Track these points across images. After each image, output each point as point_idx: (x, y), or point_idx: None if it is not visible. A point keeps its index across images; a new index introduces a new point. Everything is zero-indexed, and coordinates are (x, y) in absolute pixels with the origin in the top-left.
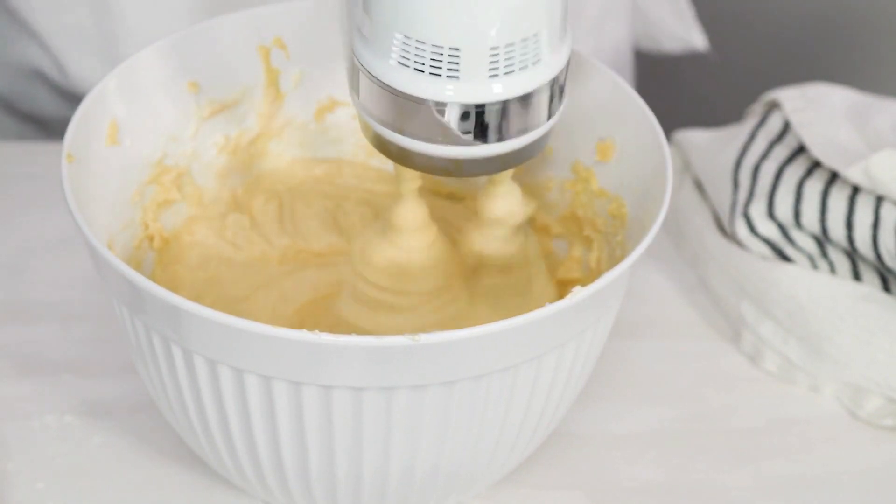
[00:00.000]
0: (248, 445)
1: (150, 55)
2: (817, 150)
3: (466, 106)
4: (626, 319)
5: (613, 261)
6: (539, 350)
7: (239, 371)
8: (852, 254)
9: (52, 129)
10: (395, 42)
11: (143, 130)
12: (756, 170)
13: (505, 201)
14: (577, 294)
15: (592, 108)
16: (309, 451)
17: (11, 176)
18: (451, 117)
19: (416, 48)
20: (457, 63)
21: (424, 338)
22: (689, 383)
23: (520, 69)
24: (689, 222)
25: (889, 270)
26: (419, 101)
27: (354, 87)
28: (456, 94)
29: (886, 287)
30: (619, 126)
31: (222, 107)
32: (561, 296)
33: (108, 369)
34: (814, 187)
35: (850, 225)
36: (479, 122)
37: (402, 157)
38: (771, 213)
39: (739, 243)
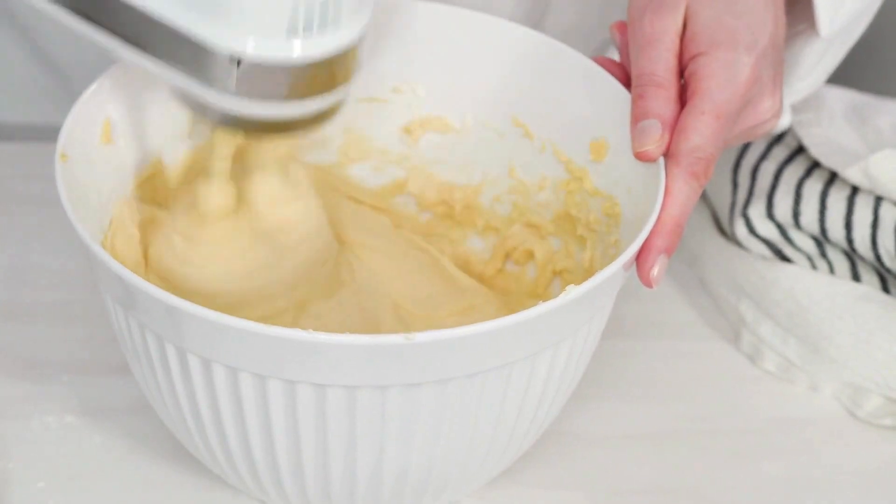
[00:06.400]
0: (243, 444)
1: None
2: (816, 151)
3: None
4: (626, 319)
5: (607, 260)
6: (533, 348)
7: (233, 370)
8: (851, 254)
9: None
10: None
11: (137, 130)
12: (755, 170)
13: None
14: (572, 292)
15: (586, 108)
16: (303, 449)
17: (11, 176)
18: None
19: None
20: None
21: (419, 336)
22: (689, 383)
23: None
24: (688, 222)
25: (888, 270)
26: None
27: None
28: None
29: (885, 287)
30: (612, 125)
31: None
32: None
33: (108, 369)
34: (813, 187)
35: (849, 225)
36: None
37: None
38: (770, 214)
39: (739, 243)
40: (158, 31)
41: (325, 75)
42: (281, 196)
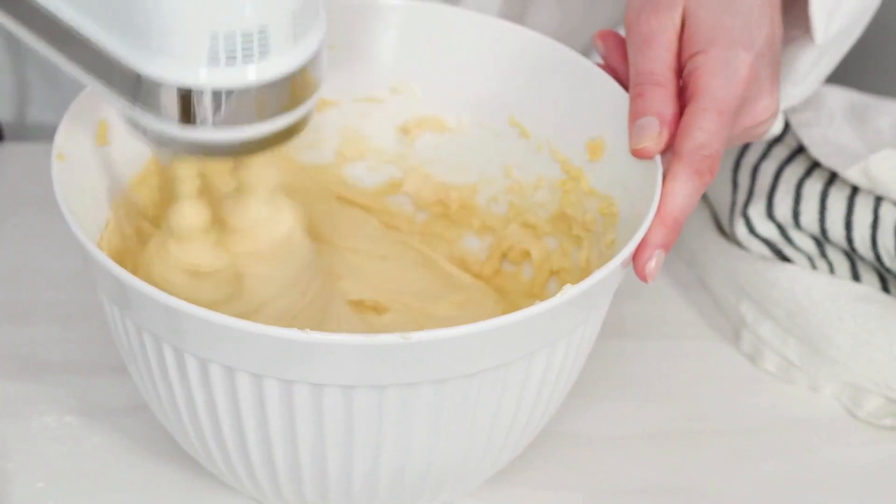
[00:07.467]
0: (240, 444)
1: None
2: (816, 151)
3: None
4: (625, 319)
5: (603, 259)
6: (530, 348)
7: (230, 370)
8: (851, 254)
9: None
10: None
11: None
12: (755, 170)
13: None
14: (568, 292)
15: (582, 107)
16: (300, 449)
17: (11, 176)
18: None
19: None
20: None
21: (416, 336)
22: (689, 383)
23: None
24: (688, 222)
25: (888, 270)
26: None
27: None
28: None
29: (885, 287)
30: (609, 125)
31: None
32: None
33: (108, 369)
34: (813, 187)
35: (849, 225)
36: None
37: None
38: (770, 214)
39: (739, 243)
40: (100, 57)
41: (276, 97)
42: (267, 220)
